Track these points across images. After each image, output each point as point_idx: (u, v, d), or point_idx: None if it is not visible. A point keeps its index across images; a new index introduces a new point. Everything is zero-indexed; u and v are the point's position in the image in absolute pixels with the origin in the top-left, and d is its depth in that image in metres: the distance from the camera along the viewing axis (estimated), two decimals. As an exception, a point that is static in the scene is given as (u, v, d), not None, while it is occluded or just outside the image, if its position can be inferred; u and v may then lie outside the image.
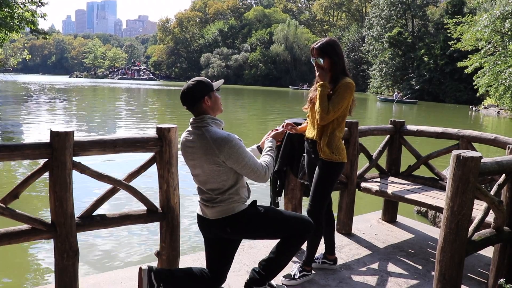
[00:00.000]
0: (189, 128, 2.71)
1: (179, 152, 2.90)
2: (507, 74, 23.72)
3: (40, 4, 19.04)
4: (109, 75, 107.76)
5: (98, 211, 2.89)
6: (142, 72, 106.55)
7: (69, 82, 69.14)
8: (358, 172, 4.39)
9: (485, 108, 34.49)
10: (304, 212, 3.90)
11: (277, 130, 3.16)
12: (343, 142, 3.24)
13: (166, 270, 2.76)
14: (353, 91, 3.01)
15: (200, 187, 2.74)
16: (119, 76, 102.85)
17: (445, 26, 30.99)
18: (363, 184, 4.32)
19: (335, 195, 3.64)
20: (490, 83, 25.58)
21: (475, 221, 2.76)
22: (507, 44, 24.08)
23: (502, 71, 24.21)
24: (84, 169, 2.73)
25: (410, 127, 4.64)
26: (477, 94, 30.77)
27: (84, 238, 4.97)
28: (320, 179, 3.13)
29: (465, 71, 27.58)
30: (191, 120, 2.69)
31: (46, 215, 5.62)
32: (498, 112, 31.00)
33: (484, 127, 22.70)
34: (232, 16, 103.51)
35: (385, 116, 27.36)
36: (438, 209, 3.64)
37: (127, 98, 36.22)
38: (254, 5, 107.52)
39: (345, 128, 3.89)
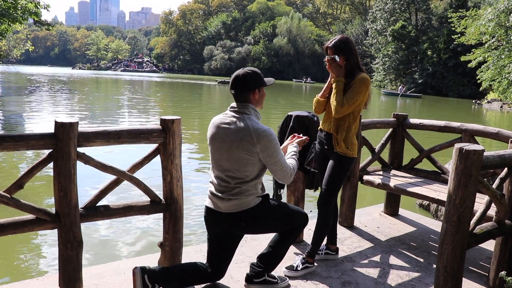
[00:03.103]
0: (228, 112, 2.69)
1: (183, 144, 2.91)
2: (511, 69, 23.61)
3: (43, -5, 18.99)
4: (112, 67, 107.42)
5: (101, 202, 2.91)
6: (145, 64, 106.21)
7: (72, 74, 69.04)
8: (361, 165, 4.40)
9: (488, 102, 34.40)
10: (306, 204, 3.93)
11: (300, 137, 3.17)
12: None
13: (161, 269, 2.67)
14: (368, 86, 3.10)
15: (217, 175, 2.70)
16: (122, 68, 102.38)
17: (449, 20, 30.81)
18: (365, 177, 4.33)
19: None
20: (493, 77, 25.45)
21: (477, 214, 2.77)
22: (511, 38, 23.95)
23: (506, 65, 24.08)
24: (88, 160, 2.74)
25: (413, 120, 4.63)
26: (481, 89, 30.59)
27: (88, 229, 5.00)
28: (334, 172, 3.19)
29: (469, 65, 27.42)
30: (233, 104, 2.67)
31: (50, 205, 5.66)
32: (501, 107, 30.93)
33: (487, 121, 22.64)
34: (235, 8, 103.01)
35: (389, 109, 27.28)
36: (440, 202, 3.65)
37: (130, 90, 36.18)
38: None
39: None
